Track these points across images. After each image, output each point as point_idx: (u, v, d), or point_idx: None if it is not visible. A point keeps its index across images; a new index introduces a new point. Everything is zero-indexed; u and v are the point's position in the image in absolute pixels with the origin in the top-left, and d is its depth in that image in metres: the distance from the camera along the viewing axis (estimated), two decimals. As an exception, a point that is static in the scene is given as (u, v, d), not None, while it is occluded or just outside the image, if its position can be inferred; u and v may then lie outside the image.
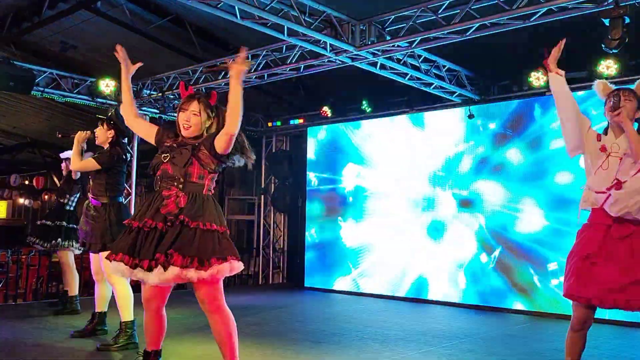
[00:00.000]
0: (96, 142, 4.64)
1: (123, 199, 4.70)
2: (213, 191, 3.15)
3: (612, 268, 2.91)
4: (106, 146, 4.59)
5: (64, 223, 6.02)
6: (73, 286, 5.96)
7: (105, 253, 4.21)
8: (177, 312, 5.75)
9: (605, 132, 3.17)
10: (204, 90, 7.66)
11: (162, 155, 3.06)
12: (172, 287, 3.15)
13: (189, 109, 3.06)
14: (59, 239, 5.94)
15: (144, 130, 3.32)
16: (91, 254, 4.62)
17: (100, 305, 4.74)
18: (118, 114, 4.63)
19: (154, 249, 2.85)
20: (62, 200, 6.13)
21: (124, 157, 4.66)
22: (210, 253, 2.86)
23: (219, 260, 2.87)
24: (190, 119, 3.05)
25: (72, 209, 6.14)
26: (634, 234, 2.96)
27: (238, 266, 2.97)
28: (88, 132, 4.71)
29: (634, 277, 2.87)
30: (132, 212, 8.59)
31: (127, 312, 4.30)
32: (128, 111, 3.40)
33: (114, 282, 4.31)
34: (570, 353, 3.11)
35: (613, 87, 3.19)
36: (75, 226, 5.76)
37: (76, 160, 4.59)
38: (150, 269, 2.82)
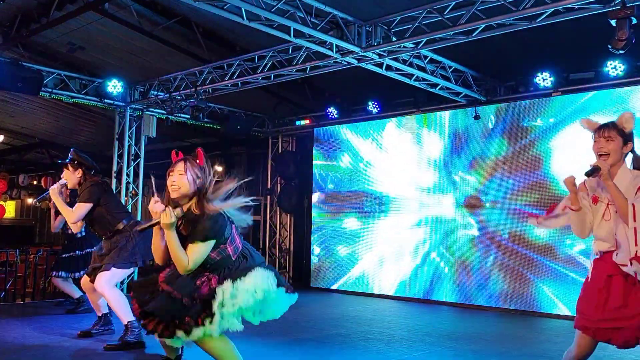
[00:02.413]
0: (69, 187, 4.65)
1: (131, 219, 4.70)
2: (241, 245, 3.15)
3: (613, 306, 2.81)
4: (77, 186, 4.62)
5: (77, 252, 6.12)
6: None
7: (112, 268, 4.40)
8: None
9: (590, 173, 2.90)
10: (210, 90, 7.70)
11: None
12: None
13: (175, 170, 3.03)
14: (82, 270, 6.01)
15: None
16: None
17: (100, 309, 4.79)
18: (77, 152, 4.70)
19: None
20: (69, 233, 6.18)
21: (102, 181, 4.70)
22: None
23: None
24: (177, 180, 3.00)
25: (83, 234, 6.19)
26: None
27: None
28: (57, 183, 4.62)
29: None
30: (139, 211, 8.64)
31: (126, 314, 4.33)
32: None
33: (104, 290, 4.37)
34: None
35: (597, 122, 3.00)
36: (88, 250, 5.92)
37: (68, 212, 4.49)
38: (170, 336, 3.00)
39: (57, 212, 6.10)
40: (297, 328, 5.83)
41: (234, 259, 3.07)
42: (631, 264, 2.71)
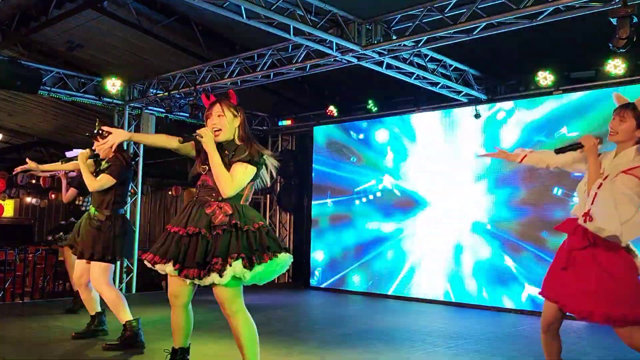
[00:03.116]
0: (101, 157, 4.55)
1: (124, 211, 4.67)
2: (250, 201, 3.15)
3: (572, 275, 2.96)
4: (110, 156, 4.49)
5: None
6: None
7: (100, 264, 4.30)
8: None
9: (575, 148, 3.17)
10: (209, 89, 7.68)
11: (201, 167, 3.10)
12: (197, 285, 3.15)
13: (213, 113, 3.11)
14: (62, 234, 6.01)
15: (187, 149, 3.24)
16: (77, 261, 4.54)
17: (93, 308, 4.68)
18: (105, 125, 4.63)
19: (203, 256, 2.90)
20: (77, 203, 6.17)
21: (131, 163, 4.67)
22: (265, 248, 2.96)
23: (271, 254, 2.98)
24: (217, 122, 3.07)
25: (87, 209, 6.19)
26: (596, 244, 2.93)
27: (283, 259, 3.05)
28: (87, 150, 4.55)
29: (585, 286, 2.88)
30: (137, 210, 8.62)
31: (124, 314, 4.30)
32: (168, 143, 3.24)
33: (102, 290, 4.31)
34: (547, 355, 3.14)
35: (624, 99, 3.10)
36: None
37: (91, 180, 4.39)
38: (199, 277, 2.88)
39: (69, 184, 6.08)
40: (297, 327, 5.82)
41: (242, 202, 3.06)
42: (585, 221, 2.95)
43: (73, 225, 6.03)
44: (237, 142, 3.10)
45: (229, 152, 3.07)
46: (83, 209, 6.14)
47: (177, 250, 2.94)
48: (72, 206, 6.34)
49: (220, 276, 2.85)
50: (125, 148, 4.72)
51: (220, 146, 3.06)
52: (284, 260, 3.05)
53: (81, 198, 6.15)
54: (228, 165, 3.01)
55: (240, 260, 2.87)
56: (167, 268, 2.93)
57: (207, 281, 2.88)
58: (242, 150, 3.04)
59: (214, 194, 3.03)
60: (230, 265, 2.86)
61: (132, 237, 4.58)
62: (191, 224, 2.97)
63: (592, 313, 2.85)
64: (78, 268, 4.54)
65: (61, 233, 6.08)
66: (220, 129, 3.06)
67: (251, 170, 3.02)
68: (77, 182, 6.09)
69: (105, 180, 4.36)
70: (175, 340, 3.18)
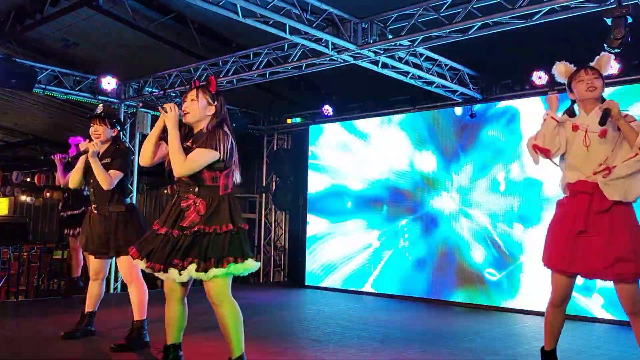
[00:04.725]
0: (99, 141, 4.32)
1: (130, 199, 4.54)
2: (231, 189, 3.18)
3: (597, 242, 2.99)
4: (107, 144, 4.33)
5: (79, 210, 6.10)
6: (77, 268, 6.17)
7: (128, 256, 4.23)
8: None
9: (571, 113, 3.28)
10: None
11: None
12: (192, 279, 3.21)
13: (188, 96, 3.15)
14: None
15: (165, 152, 3.26)
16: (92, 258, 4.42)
17: (92, 305, 4.56)
18: (109, 108, 4.53)
19: (167, 254, 3.01)
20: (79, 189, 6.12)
21: (132, 150, 4.58)
22: (225, 252, 3.00)
23: (231, 259, 3.03)
24: (188, 105, 3.11)
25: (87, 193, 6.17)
26: (613, 209, 3.01)
27: (245, 266, 3.08)
28: (92, 142, 4.24)
29: (617, 252, 2.93)
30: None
31: (142, 311, 4.27)
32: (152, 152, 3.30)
33: (135, 280, 4.24)
34: (551, 331, 3.15)
35: (572, 67, 3.28)
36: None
37: (105, 177, 4.16)
38: (165, 271, 3.01)
39: (66, 168, 5.91)
40: (292, 326, 5.82)
41: (220, 193, 3.09)
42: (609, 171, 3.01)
43: (75, 217, 6.05)
44: (205, 130, 3.11)
45: (194, 142, 3.08)
46: (85, 193, 6.00)
47: (151, 247, 3.06)
48: (73, 191, 6.17)
49: (180, 274, 2.97)
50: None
51: (190, 135, 3.11)
52: (246, 268, 3.09)
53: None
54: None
55: (194, 265, 2.96)
56: (141, 264, 3.08)
57: (167, 277, 3.02)
58: (204, 137, 3.06)
59: (191, 189, 3.06)
60: (186, 268, 2.97)
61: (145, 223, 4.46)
62: (167, 224, 3.07)
63: (622, 274, 2.92)
64: (95, 265, 4.42)
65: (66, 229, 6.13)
66: (188, 112, 3.09)
67: (207, 153, 3.00)
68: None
69: (116, 176, 4.21)
70: (168, 336, 3.21)
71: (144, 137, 8.70)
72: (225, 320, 3.07)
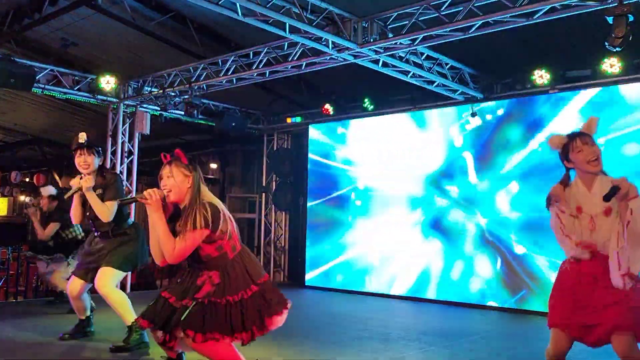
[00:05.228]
0: (87, 173, 4.29)
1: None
2: (240, 246, 3.09)
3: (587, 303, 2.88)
4: (89, 182, 4.21)
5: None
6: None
7: (113, 269, 4.23)
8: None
9: (566, 182, 3.02)
10: (205, 87, 7.65)
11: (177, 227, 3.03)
12: None
13: (163, 173, 3.04)
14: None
15: None
16: (73, 277, 4.43)
17: (83, 313, 4.60)
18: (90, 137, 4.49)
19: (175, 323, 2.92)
20: (64, 236, 6.10)
21: (120, 177, 4.58)
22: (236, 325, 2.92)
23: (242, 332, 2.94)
24: (167, 183, 3.00)
25: (83, 233, 6.11)
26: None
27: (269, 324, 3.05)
28: (79, 176, 4.27)
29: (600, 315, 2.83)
30: (133, 210, 8.57)
31: (129, 315, 4.25)
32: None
33: (108, 293, 4.24)
34: None
35: (565, 138, 3.05)
36: None
37: (103, 210, 4.18)
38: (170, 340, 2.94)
39: (47, 219, 6.01)
40: (292, 327, 5.78)
41: (231, 257, 3.02)
42: (623, 279, 2.77)
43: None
44: (188, 204, 2.99)
45: (180, 221, 2.97)
46: (80, 237, 6.06)
47: (164, 317, 2.96)
48: (58, 239, 6.13)
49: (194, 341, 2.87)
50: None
51: (178, 213, 3.02)
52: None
53: (65, 230, 6.07)
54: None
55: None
56: (158, 334, 2.95)
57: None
58: (190, 216, 2.92)
59: (202, 266, 3.00)
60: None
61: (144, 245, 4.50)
62: (175, 294, 2.98)
63: (619, 326, 2.77)
64: (75, 284, 4.40)
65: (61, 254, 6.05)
66: (170, 190, 2.99)
67: (200, 233, 2.88)
68: (57, 215, 5.98)
69: (114, 207, 4.22)
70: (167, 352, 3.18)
71: (143, 136, 8.67)
72: None
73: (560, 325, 2.96)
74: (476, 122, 7.42)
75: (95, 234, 4.42)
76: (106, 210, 4.17)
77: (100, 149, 4.44)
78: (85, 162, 4.27)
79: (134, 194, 8.50)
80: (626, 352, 2.77)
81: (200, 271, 3.00)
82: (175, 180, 3.00)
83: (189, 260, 3.05)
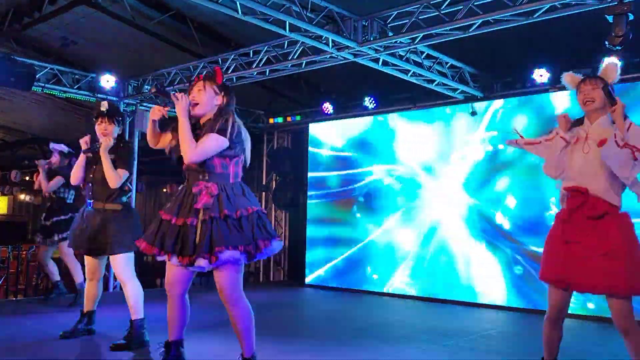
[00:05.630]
0: (107, 142, 4.25)
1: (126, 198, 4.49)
2: (241, 178, 3.15)
3: (587, 252, 2.90)
4: (109, 141, 4.24)
5: (63, 217, 6.05)
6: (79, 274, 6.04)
7: (123, 255, 4.19)
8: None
9: (581, 121, 3.23)
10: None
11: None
12: (195, 273, 3.18)
13: (194, 87, 3.15)
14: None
15: (167, 140, 3.28)
16: (86, 258, 4.39)
17: (91, 305, 4.55)
18: (113, 105, 4.54)
19: (193, 245, 2.92)
20: (60, 195, 6.13)
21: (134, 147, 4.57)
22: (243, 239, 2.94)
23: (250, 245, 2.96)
24: (196, 96, 3.11)
25: (71, 201, 6.17)
26: (607, 218, 2.94)
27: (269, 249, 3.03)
28: (105, 137, 4.26)
29: (608, 265, 2.84)
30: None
31: (139, 310, 4.25)
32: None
33: (129, 281, 4.23)
34: (548, 343, 3.11)
35: (580, 76, 3.28)
36: (72, 215, 5.57)
37: (114, 175, 4.16)
38: (191, 264, 2.93)
39: (51, 175, 6.03)
40: (292, 325, 5.80)
41: (231, 181, 3.06)
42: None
43: (66, 220, 5.99)
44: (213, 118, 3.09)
45: (202, 130, 3.06)
46: (69, 201, 6.13)
47: (172, 240, 2.96)
48: (57, 198, 6.18)
49: (210, 262, 2.89)
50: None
51: (198, 127, 3.08)
52: (274, 249, 3.07)
53: (65, 190, 6.11)
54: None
55: (229, 252, 2.88)
56: (173, 260, 2.97)
57: (197, 264, 2.91)
58: (213, 123, 3.04)
59: (200, 176, 3.03)
60: (218, 258, 2.88)
61: (139, 222, 4.48)
62: (182, 215, 2.99)
63: (615, 287, 2.83)
64: (89, 265, 4.40)
65: (56, 234, 6.03)
66: (197, 103, 3.09)
67: (218, 138, 2.98)
68: (65, 171, 5.92)
69: (123, 174, 4.22)
70: (170, 333, 3.19)
71: (143, 135, 8.66)
72: (237, 319, 3.06)
73: (551, 279, 3.03)
74: (474, 119, 7.42)
75: (88, 206, 4.29)
76: (116, 176, 4.17)
77: (120, 118, 4.45)
78: (106, 130, 4.30)
79: (133, 190, 8.51)
80: (619, 319, 2.84)
81: (196, 181, 3.02)
82: (205, 95, 3.11)
83: (187, 174, 3.10)
